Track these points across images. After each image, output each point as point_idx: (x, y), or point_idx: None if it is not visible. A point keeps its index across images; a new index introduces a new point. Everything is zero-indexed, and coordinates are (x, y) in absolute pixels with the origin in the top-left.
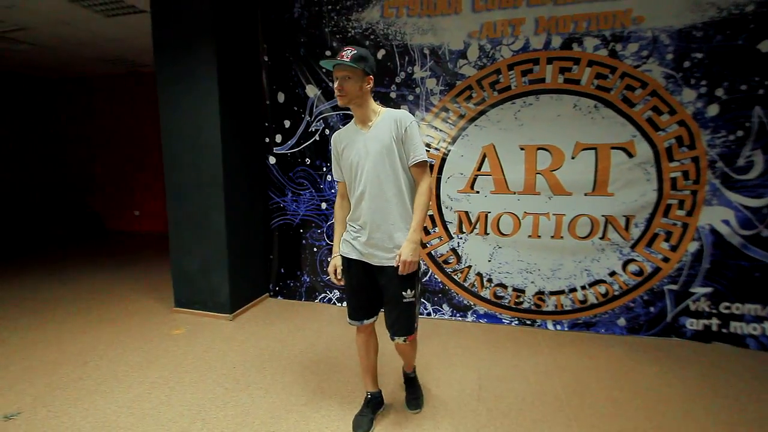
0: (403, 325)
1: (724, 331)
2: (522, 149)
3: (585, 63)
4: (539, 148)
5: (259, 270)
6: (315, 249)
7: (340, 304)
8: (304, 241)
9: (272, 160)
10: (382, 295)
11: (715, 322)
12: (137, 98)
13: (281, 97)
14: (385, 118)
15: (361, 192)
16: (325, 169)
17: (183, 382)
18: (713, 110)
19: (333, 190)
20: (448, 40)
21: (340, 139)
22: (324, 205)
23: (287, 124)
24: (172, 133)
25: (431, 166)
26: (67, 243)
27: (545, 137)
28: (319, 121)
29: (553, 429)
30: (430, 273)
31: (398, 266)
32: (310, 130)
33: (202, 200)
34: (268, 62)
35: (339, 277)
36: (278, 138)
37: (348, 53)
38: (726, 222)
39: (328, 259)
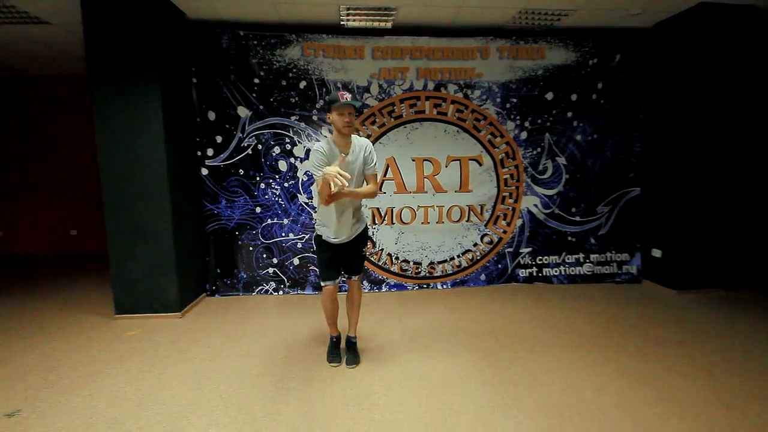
0: (358, 268)
1: (540, 275)
2: (413, 161)
3: (449, 101)
4: (425, 160)
5: (197, 272)
6: (251, 248)
7: (276, 294)
8: (239, 242)
9: (205, 171)
10: (346, 260)
11: (534, 270)
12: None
13: (212, 116)
14: (356, 146)
15: (342, 203)
16: (258, 178)
17: (168, 362)
18: (524, 135)
19: (266, 196)
20: (356, 77)
21: (326, 152)
22: (258, 210)
23: (219, 139)
24: (111, 147)
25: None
26: None
27: (428, 152)
28: (251, 137)
29: (465, 348)
30: None
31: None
32: (242, 145)
33: (145, 209)
34: (197, 84)
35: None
36: (210, 152)
37: (349, 96)
38: (535, 205)
39: (264, 255)
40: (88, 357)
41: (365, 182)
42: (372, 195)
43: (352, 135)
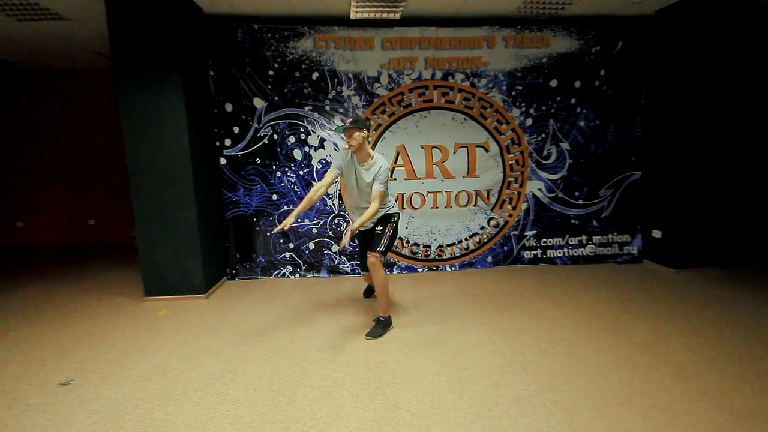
0: (373, 245)
1: (544, 256)
2: (422, 148)
3: (457, 90)
4: (433, 147)
5: (218, 257)
6: (268, 234)
7: (293, 277)
8: (257, 228)
9: (223, 161)
10: (365, 244)
11: (539, 252)
12: (18, 98)
13: (229, 107)
14: (374, 163)
15: (355, 201)
16: (274, 167)
17: (201, 337)
18: (529, 122)
19: (282, 184)
20: (366, 68)
21: (345, 159)
22: (275, 197)
23: (236, 130)
24: (137, 140)
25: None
26: None
27: (436, 139)
28: (267, 127)
29: (475, 322)
30: None
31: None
32: (258, 135)
33: (170, 198)
34: (214, 76)
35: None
36: (227, 142)
37: (349, 121)
38: (540, 190)
39: (281, 240)
40: (125, 334)
41: (369, 195)
42: (374, 213)
43: (375, 154)
